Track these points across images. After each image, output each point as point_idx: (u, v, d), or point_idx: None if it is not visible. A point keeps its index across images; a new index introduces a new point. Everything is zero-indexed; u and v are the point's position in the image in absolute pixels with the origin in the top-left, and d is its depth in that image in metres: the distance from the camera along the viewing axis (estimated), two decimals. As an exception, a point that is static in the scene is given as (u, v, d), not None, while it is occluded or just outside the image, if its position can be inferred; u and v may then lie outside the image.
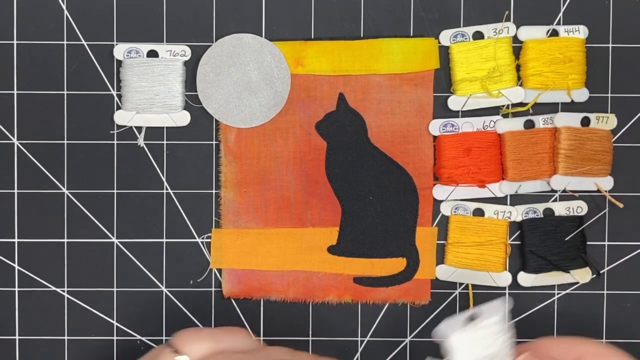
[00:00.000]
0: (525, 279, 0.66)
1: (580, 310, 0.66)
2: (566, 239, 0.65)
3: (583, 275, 0.66)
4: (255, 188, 0.66)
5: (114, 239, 0.65)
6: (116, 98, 0.65)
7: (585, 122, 0.65)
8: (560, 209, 0.65)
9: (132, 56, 0.64)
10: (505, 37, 0.65)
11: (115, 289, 0.66)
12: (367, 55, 0.65)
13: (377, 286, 0.67)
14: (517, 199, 0.66)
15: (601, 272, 0.66)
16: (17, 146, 0.65)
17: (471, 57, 0.65)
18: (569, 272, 0.65)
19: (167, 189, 0.65)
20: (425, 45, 0.65)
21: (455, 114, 0.65)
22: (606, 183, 0.65)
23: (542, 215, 0.65)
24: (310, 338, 0.67)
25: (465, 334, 0.51)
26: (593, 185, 0.65)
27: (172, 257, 0.66)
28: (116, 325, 0.66)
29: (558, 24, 0.65)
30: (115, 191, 0.65)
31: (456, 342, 0.51)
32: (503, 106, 0.65)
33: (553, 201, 0.66)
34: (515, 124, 0.65)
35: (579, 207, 0.65)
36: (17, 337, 0.66)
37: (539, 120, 0.65)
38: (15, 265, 0.65)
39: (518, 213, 0.65)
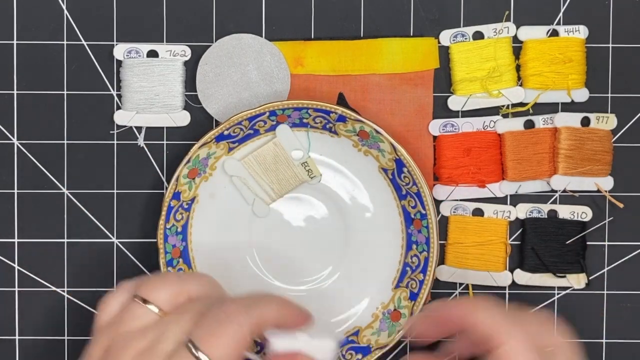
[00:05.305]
0: (521, 276, 0.65)
1: (580, 310, 0.66)
2: (567, 242, 0.65)
3: (579, 280, 0.65)
4: (255, 188, 0.66)
5: (114, 239, 0.65)
6: (116, 98, 0.65)
7: (585, 122, 0.65)
8: (565, 212, 0.65)
9: (132, 56, 0.64)
10: (505, 37, 0.65)
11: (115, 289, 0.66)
12: (366, 55, 0.65)
13: (377, 286, 0.66)
14: (519, 199, 0.66)
15: (590, 279, 0.66)
16: (17, 146, 0.65)
17: (471, 57, 0.65)
18: (564, 277, 0.65)
19: (167, 190, 0.65)
20: (425, 45, 0.65)
21: (455, 114, 0.65)
22: (606, 183, 0.65)
23: (546, 216, 0.65)
24: (310, 338, 0.67)
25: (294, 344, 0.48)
26: (593, 185, 0.65)
27: (172, 257, 0.66)
28: (116, 325, 0.66)
29: (558, 24, 0.65)
30: (115, 191, 0.65)
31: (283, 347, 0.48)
32: (503, 106, 0.65)
33: (559, 203, 0.65)
34: (515, 124, 0.65)
35: (584, 213, 0.65)
36: (17, 337, 0.66)
37: (539, 120, 0.65)
38: (15, 265, 0.65)
39: (521, 211, 0.65)
